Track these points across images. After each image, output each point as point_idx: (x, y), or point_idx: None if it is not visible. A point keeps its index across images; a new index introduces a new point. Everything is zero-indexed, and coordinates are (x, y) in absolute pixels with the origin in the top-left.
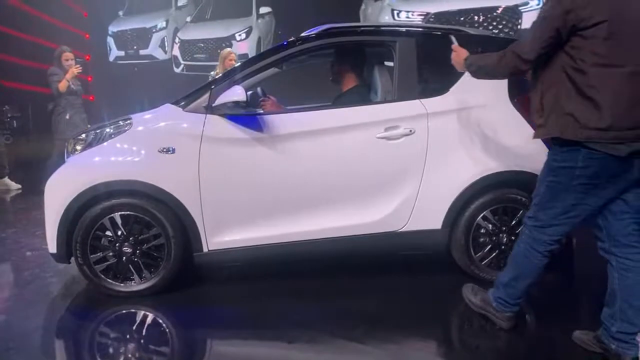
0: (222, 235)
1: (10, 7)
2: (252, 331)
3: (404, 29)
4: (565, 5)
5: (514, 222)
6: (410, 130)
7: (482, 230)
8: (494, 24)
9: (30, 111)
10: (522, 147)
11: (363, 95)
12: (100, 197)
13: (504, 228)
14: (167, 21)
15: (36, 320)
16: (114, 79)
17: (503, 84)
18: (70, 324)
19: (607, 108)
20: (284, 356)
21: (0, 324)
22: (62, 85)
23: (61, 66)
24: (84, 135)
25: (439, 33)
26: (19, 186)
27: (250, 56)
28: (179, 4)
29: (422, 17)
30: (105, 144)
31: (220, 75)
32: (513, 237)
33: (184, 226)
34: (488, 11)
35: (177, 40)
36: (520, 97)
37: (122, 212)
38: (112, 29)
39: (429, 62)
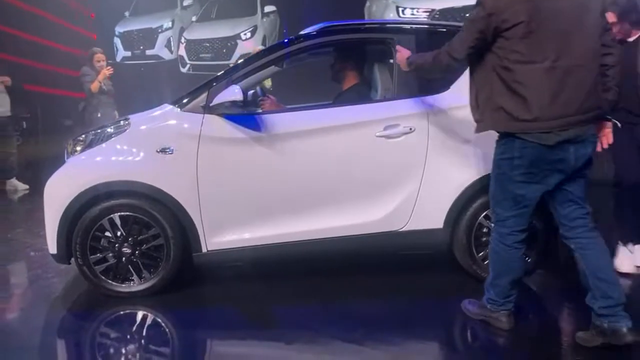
0: (221, 236)
1: (17, 9)
2: (250, 332)
3: (403, 26)
4: (488, 9)
5: None
6: (410, 129)
7: (484, 230)
8: None
9: (39, 112)
10: None
11: (363, 94)
12: (99, 198)
13: None
14: (172, 21)
15: (37, 321)
16: (121, 80)
17: None
18: (71, 325)
19: (533, 101)
20: (282, 357)
21: (2, 325)
22: (94, 86)
23: (93, 67)
24: (83, 136)
25: (439, 29)
26: (27, 187)
27: None
28: (185, 3)
29: (427, 13)
30: (104, 144)
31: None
32: None
33: (183, 227)
34: None
35: (182, 40)
36: None
37: (121, 213)
38: (119, 29)
39: None
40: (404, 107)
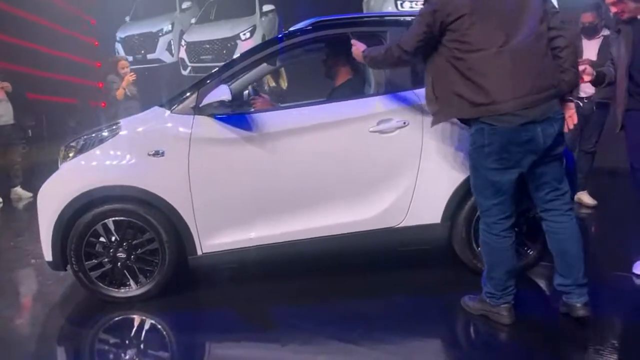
0: (215, 238)
1: (19, 18)
2: (247, 333)
3: (394, 18)
4: (433, 6)
5: None
6: (404, 123)
7: None
8: None
9: (45, 120)
10: None
11: (356, 89)
12: (93, 204)
13: None
14: (172, 24)
15: (36, 328)
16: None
17: None
18: (70, 331)
19: (487, 86)
20: (279, 359)
21: (2, 332)
22: (119, 94)
23: (118, 74)
24: (75, 142)
25: None
26: (31, 194)
27: None
28: (183, 6)
29: None
30: (95, 149)
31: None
32: (516, 229)
33: (177, 230)
34: None
35: (183, 42)
36: None
37: (115, 218)
38: (120, 34)
39: None
40: (397, 101)
